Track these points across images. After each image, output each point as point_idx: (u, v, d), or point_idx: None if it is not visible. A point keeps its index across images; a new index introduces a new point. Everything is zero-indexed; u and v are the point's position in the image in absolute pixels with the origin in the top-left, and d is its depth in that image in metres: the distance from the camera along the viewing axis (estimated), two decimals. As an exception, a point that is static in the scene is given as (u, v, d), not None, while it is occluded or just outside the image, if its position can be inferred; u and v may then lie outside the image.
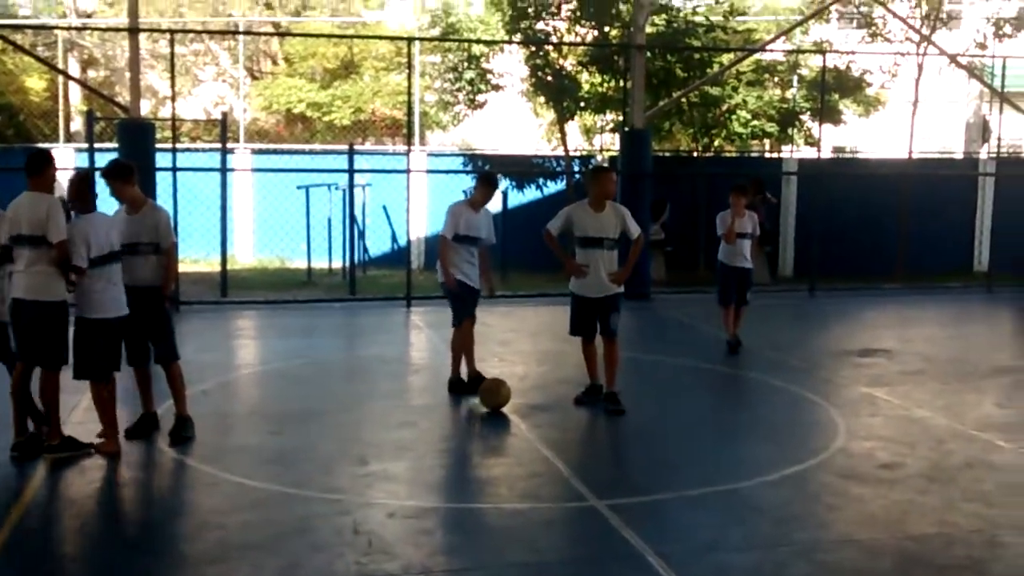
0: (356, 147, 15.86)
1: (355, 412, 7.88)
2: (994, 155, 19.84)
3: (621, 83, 16.34)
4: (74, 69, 24.86)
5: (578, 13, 17.55)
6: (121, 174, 6.80)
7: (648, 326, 12.74)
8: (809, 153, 19.89)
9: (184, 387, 6.96)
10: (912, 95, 18.72)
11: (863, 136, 25.09)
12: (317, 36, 25.25)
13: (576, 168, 19.20)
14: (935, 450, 6.80)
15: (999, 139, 18.36)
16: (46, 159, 6.40)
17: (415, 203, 16.33)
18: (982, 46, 18.85)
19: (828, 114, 18.68)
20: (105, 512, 5.56)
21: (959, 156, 25.64)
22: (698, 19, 18.49)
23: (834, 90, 19.12)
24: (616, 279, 7.80)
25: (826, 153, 19.64)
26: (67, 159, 19.58)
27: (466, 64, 18.39)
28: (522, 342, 11.11)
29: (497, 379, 8.03)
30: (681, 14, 18.31)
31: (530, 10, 17.40)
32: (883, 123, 23.76)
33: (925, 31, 17.99)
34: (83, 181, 6.60)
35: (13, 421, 6.36)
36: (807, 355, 10.40)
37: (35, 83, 24.44)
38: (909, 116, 18.60)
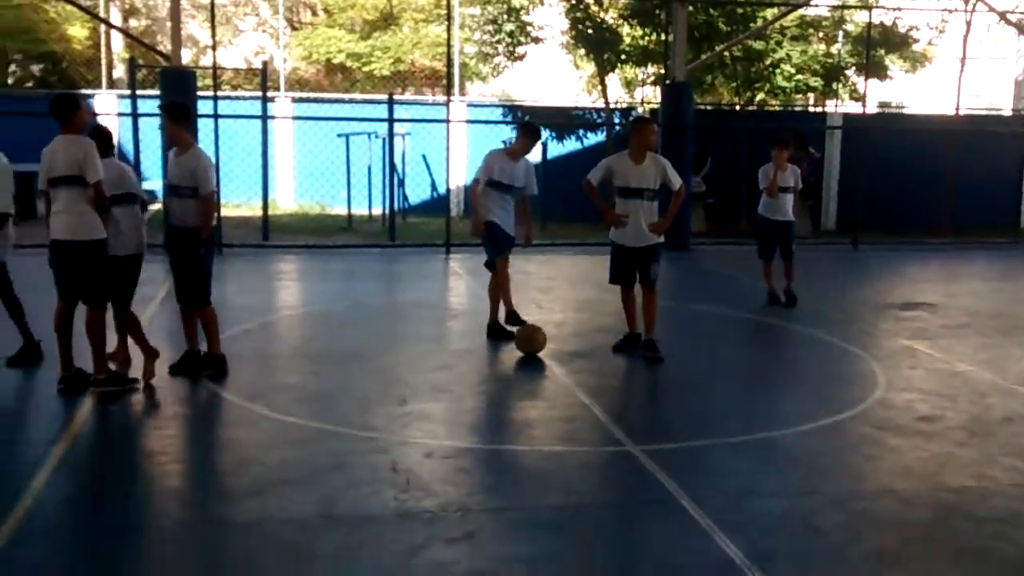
0: (396, 97, 15.86)
1: (394, 354, 7.94)
2: (1043, 112, 19.46)
3: (663, 36, 16.16)
4: (116, 18, 25.01)
5: (620, -35, 17.35)
6: (173, 112, 6.91)
7: (687, 276, 12.70)
8: (854, 108, 19.60)
9: (217, 328, 7.06)
10: (960, 51, 18.34)
11: (909, 92, 24.67)
12: (357, -14, 25.16)
13: (616, 120, 19.05)
14: (975, 404, 6.74)
15: (1050, 96, 17.98)
16: (73, 104, 6.45)
17: (455, 153, 16.33)
18: (1033, 2, 18.44)
19: (874, 70, 18.40)
20: (149, 446, 5.66)
21: (1007, 113, 25.15)
22: (742, -28, 18.22)
23: (880, 46, 18.80)
24: (656, 229, 7.77)
25: (871, 108, 19.35)
26: (110, 105, 19.76)
27: (506, 16, 18.28)
28: (561, 290, 11.12)
29: (533, 325, 8.07)
30: (725, -33, 18.04)
31: (571, -39, 17.24)
32: (930, 79, 23.34)
33: (975, -14, 17.60)
34: (106, 134, 6.91)
35: (59, 356, 6.50)
36: (849, 307, 10.31)
37: (77, 31, 24.62)
38: (957, 72, 18.24)
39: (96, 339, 6.39)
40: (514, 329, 8.21)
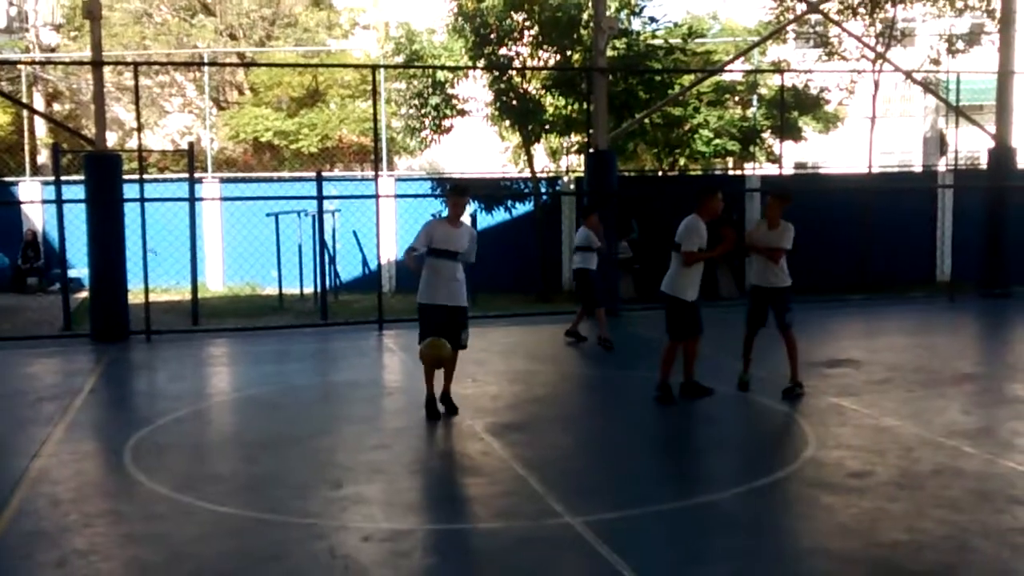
0: (324, 174, 15.91)
1: (329, 436, 7.88)
2: (952, 167, 20.22)
3: (584, 105, 16.53)
4: (39, 103, 24.80)
5: (540, 38, 17.74)
6: None
7: (617, 343, 12.80)
8: (771, 170, 20.16)
9: None
10: (870, 111, 19.07)
11: (824, 152, 25.48)
12: (282, 66, 25.33)
13: (544, 189, 19.31)
14: (903, 458, 6.90)
15: (956, 151, 18.71)
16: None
17: (384, 227, 16.39)
18: (936, 62, 19.30)
19: (788, 131, 18.99)
20: (76, 544, 5.51)
21: (918, 169, 26.09)
22: (657, 42, 18.76)
23: (793, 108, 19.45)
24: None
25: (788, 169, 19.92)
26: (34, 192, 19.51)
27: (431, 90, 18.52)
28: (494, 362, 11.15)
29: (434, 344, 8.11)
30: (641, 37, 18.57)
31: (493, 36, 17.58)
32: (843, 139, 24.17)
33: (880, 48, 18.35)
34: None
35: None
36: (774, 367, 10.45)
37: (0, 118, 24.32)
38: (868, 131, 18.93)
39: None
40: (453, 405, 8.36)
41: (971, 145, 22.96)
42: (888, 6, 18.86)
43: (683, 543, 5.35)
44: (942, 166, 23.72)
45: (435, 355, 8.07)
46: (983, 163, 25.19)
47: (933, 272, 19.47)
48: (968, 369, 10.42)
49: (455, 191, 8.53)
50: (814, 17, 19.05)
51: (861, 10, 18.89)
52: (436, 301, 8.14)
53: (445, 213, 8.84)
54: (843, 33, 18.49)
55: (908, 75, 18.20)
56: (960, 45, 19.32)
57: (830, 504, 5.92)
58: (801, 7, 18.68)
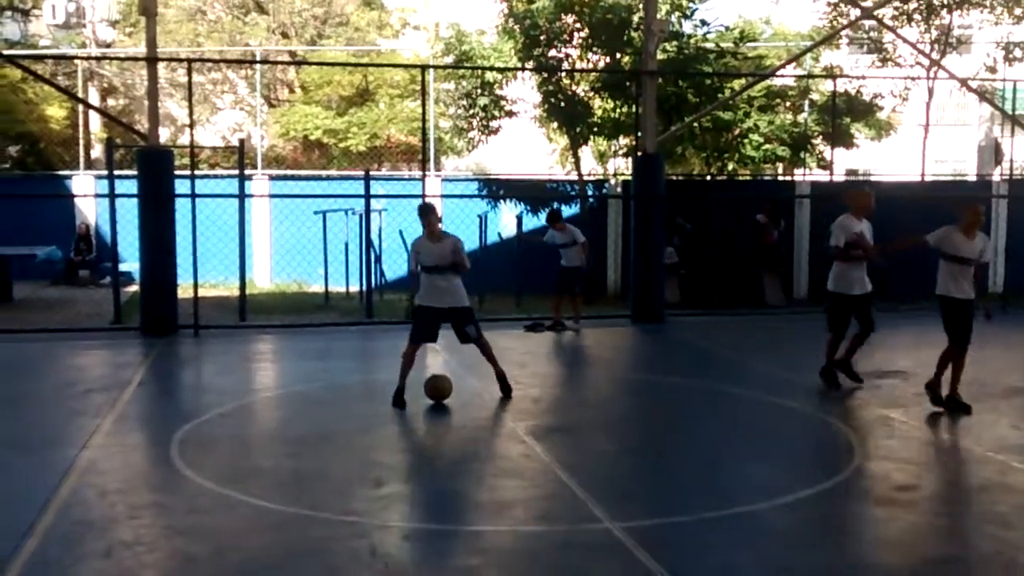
0: (372, 173, 15.98)
1: (371, 434, 7.92)
2: (1007, 177, 19.86)
3: (633, 108, 16.45)
4: (94, 98, 25.22)
5: (590, 40, 17.70)
6: None
7: (662, 348, 12.76)
8: (822, 176, 19.93)
9: None
10: (923, 118, 18.79)
11: (876, 159, 25.15)
12: (333, 64, 25.53)
13: (590, 192, 19.25)
14: (952, 472, 6.80)
15: (1011, 161, 18.37)
16: None
17: (430, 228, 16.38)
18: (992, 70, 18.97)
19: (840, 138, 18.78)
20: (126, 535, 5.60)
21: (972, 178, 25.66)
22: (708, 46, 18.63)
23: (845, 114, 19.21)
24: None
25: (839, 176, 19.68)
26: (87, 186, 19.86)
27: (480, 91, 18.56)
28: (536, 364, 11.14)
29: (437, 377, 8.97)
30: (692, 41, 18.44)
31: (542, 38, 17.58)
32: (895, 146, 23.83)
33: (935, 55, 18.07)
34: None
35: None
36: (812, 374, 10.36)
37: (55, 112, 24.80)
38: (921, 139, 18.64)
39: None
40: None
41: (1027, 154, 22.51)
42: (944, 13, 18.56)
43: (723, 553, 5.30)
44: (997, 176, 23.29)
45: (435, 390, 8.85)
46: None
47: (985, 283, 19.11)
48: (1019, 383, 10.21)
49: (420, 212, 9.15)
50: (868, 23, 18.78)
51: (916, 16, 18.62)
52: (428, 304, 8.92)
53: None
54: (898, 39, 18.23)
55: (963, 83, 17.90)
56: (1017, 53, 18.97)
57: (875, 517, 5.84)
58: (855, 12, 18.45)
